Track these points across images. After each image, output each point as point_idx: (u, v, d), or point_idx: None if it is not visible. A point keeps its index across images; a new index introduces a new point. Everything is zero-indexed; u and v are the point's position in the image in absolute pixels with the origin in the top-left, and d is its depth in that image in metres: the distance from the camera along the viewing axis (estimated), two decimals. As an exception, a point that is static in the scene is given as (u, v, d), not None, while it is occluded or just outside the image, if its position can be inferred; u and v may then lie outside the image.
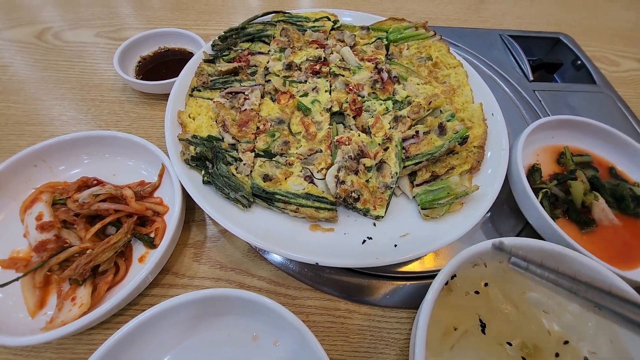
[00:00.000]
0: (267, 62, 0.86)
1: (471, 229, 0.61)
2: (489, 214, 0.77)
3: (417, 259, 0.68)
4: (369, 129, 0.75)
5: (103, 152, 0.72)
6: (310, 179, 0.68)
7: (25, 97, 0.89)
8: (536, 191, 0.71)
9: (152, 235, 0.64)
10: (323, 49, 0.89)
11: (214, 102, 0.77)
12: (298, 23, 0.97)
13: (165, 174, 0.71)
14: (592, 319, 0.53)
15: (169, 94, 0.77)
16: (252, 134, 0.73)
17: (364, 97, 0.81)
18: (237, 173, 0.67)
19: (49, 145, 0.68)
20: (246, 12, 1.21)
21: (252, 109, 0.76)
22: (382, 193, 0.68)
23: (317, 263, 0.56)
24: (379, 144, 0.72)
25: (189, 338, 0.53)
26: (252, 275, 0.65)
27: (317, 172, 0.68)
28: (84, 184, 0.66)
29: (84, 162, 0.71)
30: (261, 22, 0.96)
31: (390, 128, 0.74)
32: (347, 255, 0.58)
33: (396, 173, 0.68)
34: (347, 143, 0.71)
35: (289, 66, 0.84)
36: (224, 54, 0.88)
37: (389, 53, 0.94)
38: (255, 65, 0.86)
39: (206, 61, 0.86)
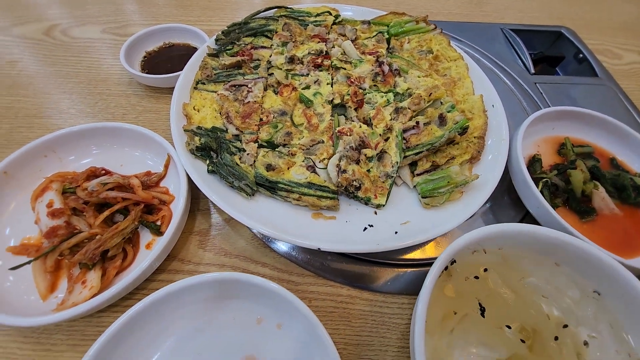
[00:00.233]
0: (270, 56, 0.87)
1: (471, 219, 0.62)
2: (489, 204, 0.78)
3: (417, 246, 0.69)
4: (370, 120, 0.76)
5: (111, 143, 0.73)
6: (312, 168, 0.69)
7: (34, 91, 0.91)
8: (536, 181, 0.72)
9: (158, 223, 0.66)
10: (325, 43, 0.91)
11: (217, 94, 0.79)
12: (300, 18, 0.98)
13: (170, 164, 0.72)
14: (592, 304, 0.53)
15: (174, 87, 0.79)
16: (255, 125, 0.74)
17: (365, 89, 0.82)
18: (240, 163, 0.69)
19: (59, 136, 0.70)
20: (249, 8, 1.22)
21: (255, 101, 0.78)
22: (383, 182, 0.69)
23: (319, 248, 0.57)
24: (380, 135, 0.73)
25: (195, 320, 0.55)
26: (255, 262, 0.66)
27: (319, 162, 0.70)
28: (93, 174, 0.68)
29: (92, 153, 0.73)
30: (264, 17, 0.98)
31: (391, 119, 0.75)
32: (349, 242, 0.60)
33: (397, 162, 0.69)
34: (348, 134, 0.72)
35: (291, 59, 0.86)
36: (227, 48, 0.90)
37: (389, 47, 0.95)
38: (258, 59, 0.88)
39: (210, 55, 0.88)
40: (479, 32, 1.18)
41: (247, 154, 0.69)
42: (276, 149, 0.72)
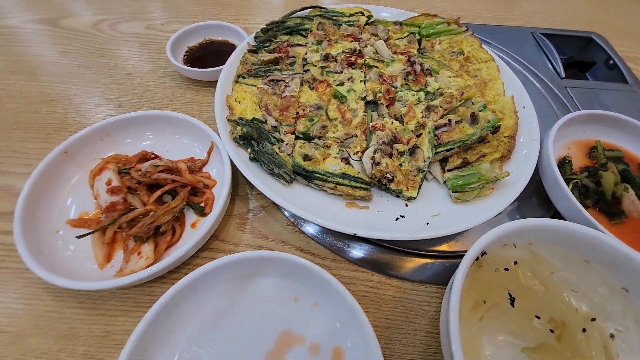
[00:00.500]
0: (305, 54, 0.92)
1: (498, 217, 0.64)
2: (517, 203, 0.79)
3: (446, 238, 0.71)
4: (402, 117, 0.79)
5: (162, 130, 0.79)
6: (346, 160, 0.73)
7: (85, 80, 0.99)
8: (566, 182, 0.73)
9: (202, 205, 0.71)
10: (358, 42, 0.94)
11: (257, 88, 0.83)
12: (334, 17, 1.02)
13: (213, 151, 0.77)
14: (620, 301, 0.55)
15: (215, 80, 0.84)
16: (293, 118, 0.78)
17: (396, 87, 0.85)
18: (279, 152, 0.73)
19: (114, 122, 0.76)
20: (284, 7, 1.27)
21: (292, 95, 0.82)
22: (415, 176, 0.72)
23: (355, 234, 0.61)
24: (412, 131, 0.76)
25: (239, 294, 0.59)
26: (290, 246, 0.70)
27: (354, 154, 0.73)
28: (144, 157, 0.73)
29: (145, 137, 0.79)
30: (299, 16, 1.02)
31: (422, 117, 0.78)
32: (383, 229, 0.63)
33: (429, 157, 0.72)
34: (381, 129, 0.75)
35: (326, 57, 0.90)
36: (265, 45, 0.95)
37: (421, 47, 0.97)
38: (294, 56, 0.92)
39: (250, 51, 0.93)
40: (509, 35, 1.19)
41: (286, 144, 0.74)
42: (312, 141, 0.76)
